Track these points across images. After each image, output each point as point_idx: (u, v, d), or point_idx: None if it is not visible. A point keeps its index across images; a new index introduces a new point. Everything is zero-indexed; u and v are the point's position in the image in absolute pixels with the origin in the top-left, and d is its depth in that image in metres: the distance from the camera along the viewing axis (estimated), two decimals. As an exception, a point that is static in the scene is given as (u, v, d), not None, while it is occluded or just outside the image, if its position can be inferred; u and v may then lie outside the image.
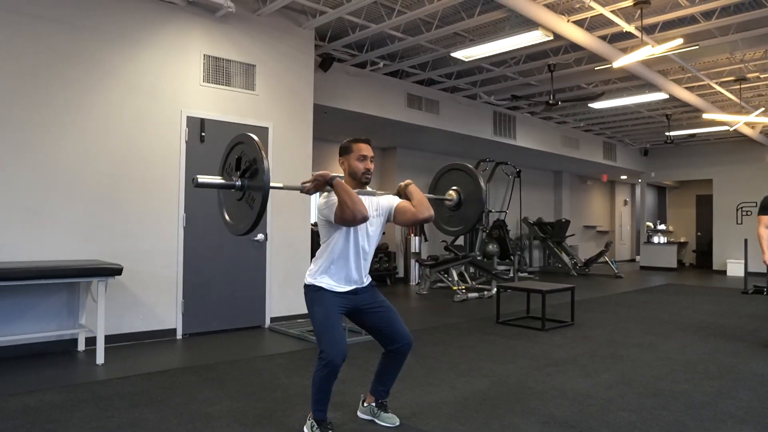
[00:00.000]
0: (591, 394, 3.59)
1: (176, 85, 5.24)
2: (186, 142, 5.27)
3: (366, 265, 2.87)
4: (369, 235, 2.83)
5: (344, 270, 2.78)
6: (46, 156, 4.52)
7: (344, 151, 2.84)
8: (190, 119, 5.29)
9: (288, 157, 6.02)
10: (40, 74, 4.50)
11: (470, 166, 3.36)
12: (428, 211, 2.85)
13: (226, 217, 2.68)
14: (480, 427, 2.97)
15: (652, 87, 8.28)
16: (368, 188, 2.86)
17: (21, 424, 2.94)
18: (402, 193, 2.94)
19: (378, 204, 2.88)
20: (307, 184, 2.61)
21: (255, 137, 2.52)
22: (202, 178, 2.49)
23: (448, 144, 10.31)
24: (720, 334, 5.65)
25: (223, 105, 5.52)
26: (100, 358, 4.23)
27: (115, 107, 4.88)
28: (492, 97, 9.45)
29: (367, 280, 2.89)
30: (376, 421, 2.99)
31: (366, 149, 2.81)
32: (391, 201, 2.91)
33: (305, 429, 2.82)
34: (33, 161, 4.46)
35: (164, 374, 3.96)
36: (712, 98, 9.34)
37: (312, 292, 2.79)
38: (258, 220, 2.43)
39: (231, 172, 2.60)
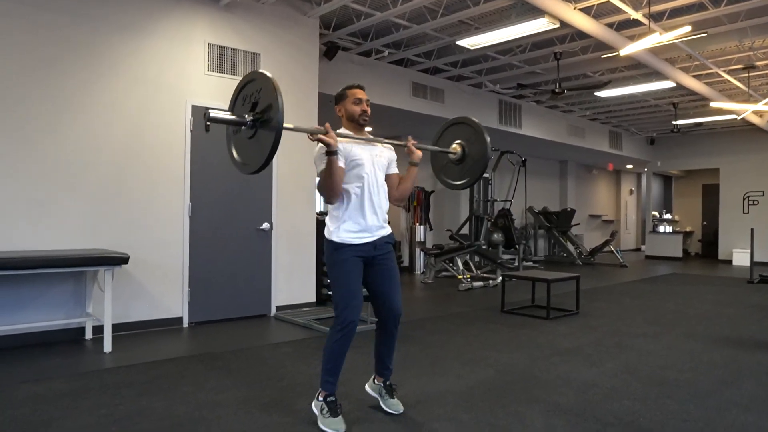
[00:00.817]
0: (596, 383, 3.59)
1: (181, 75, 5.24)
2: (191, 131, 5.27)
3: (381, 205, 2.89)
4: (377, 181, 2.88)
5: (359, 212, 2.81)
6: (50, 147, 4.53)
7: (339, 99, 2.91)
8: (195, 108, 5.29)
9: (293, 146, 6.00)
10: (42, 65, 4.50)
11: (475, 119, 3.33)
12: (401, 202, 3.07)
13: (235, 155, 2.64)
14: (485, 416, 2.98)
15: (659, 75, 8.22)
16: (369, 135, 2.92)
17: (30, 411, 2.97)
18: (412, 156, 3.02)
19: (382, 152, 2.95)
20: (318, 135, 2.61)
21: (269, 74, 2.50)
22: (214, 113, 2.48)
23: (453, 133, 10.26)
24: (725, 324, 5.65)
25: (227, 94, 5.45)
26: (107, 347, 4.26)
27: (119, 97, 4.88)
28: (497, 86, 9.41)
29: (386, 227, 2.93)
30: (381, 404, 3.01)
31: (360, 93, 2.87)
32: (392, 157, 3.00)
33: (313, 407, 2.84)
34: (38, 152, 4.47)
35: (171, 362, 3.99)
36: (720, 87, 9.27)
37: (332, 249, 2.81)
38: (269, 158, 2.42)
39: (242, 109, 2.56)
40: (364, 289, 2.92)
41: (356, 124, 2.87)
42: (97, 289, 4.61)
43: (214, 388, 3.40)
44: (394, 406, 2.99)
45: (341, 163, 2.74)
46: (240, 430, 2.77)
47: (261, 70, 2.57)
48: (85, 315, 4.63)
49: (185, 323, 5.25)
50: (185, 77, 5.26)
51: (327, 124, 2.64)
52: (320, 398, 2.81)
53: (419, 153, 3.03)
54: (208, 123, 2.49)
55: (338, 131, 2.80)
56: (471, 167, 3.29)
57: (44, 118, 4.50)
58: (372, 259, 2.85)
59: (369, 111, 2.89)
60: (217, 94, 5.43)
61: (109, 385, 3.46)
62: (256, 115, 2.48)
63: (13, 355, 4.12)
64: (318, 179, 2.77)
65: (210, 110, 2.47)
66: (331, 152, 2.61)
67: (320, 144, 2.67)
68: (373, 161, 2.85)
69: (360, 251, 2.80)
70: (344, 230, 2.79)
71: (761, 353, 4.43)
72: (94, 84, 4.74)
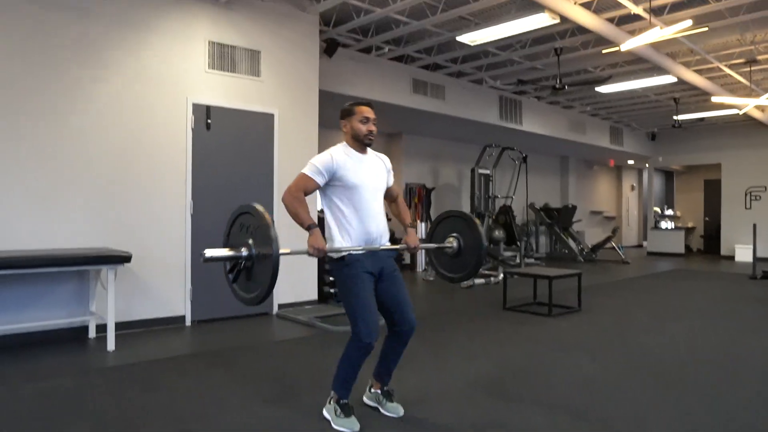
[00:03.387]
0: (598, 378, 3.60)
1: (181, 72, 5.23)
2: (192, 129, 5.27)
3: (380, 216, 2.88)
4: (375, 189, 2.88)
5: (359, 224, 2.79)
6: (52, 144, 4.53)
7: (346, 114, 2.86)
8: (196, 106, 5.28)
9: (294, 144, 6.01)
10: (43, 62, 4.49)
11: (467, 213, 3.35)
12: (408, 217, 3.07)
13: (237, 289, 2.56)
14: (488, 412, 2.99)
15: (660, 70, 8.20)
16: (370, 151, 2.92)
17: (36, 408, 2.98)
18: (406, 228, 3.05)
19: (379, 167, 2.94)
20: (312, 251, 2.64)
21: (259, 206, 2.47)
22: (210, 253, 2.42)
23: (454, 129, 10.26)
24: (728, 319, 5.64)
25: (228, 92, 5.51)
26: (110, 345, 4.27)
27: (120, 94, 4.87)
28: (498, 82, 9.39)
29: (385, 237, 2.92)
30: (381, 409, 2.97)
31: (368, 111, 2.83)
32: (388, 169, 3.00)
33: (325, 412, 2.82)
34: (39, 150, 4.47)
35: (174, 360, 4.00)
36: (722, 81, 9.24)
37: (341, 269, 2.78)
38: (270, 289, 2.36)
39: (237, 242, 2.53)
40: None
41: (360, 143, 2.83)
42: (100, 287, 4.61)
43: (217, 384, 3.41)
44: (394, 409, 2.95)
45: (320, 181, 2.76)
46: (243, 425, 2.77)
47: (251, 204, 2.52)
48: (88, 313, 4.63)
49: (188, 321, 5.25)
50: (186, 75, 5.26)
51: (333, 156, 2.74)
52: (332, 402, 2.80)
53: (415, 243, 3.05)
54: (205, 263, 2.46)
55: (340, 146, 2.83)
56: (468, 259, 3.29)
57: (45, 116, 4.50)
58: (380, 274, 2.84)
59: (375, 131, 2.85)
60: (217, 91, 5.43)
61: (113, 382, 3.46)
62: (251, 246, 2.46)
63: (18, 354, 4.13)
64: (292, 195, 2.71)
65: (205, 251, 2.42)
66: (310, 229, 2.65)
67: (319, 159, 2.75)
68: (369, 184, 2.84)
69: (367, 266, 2.77)
70: (347, 241, 2.79)
71: (765, 349, 4.43)
72: (94, 81, 4.74)
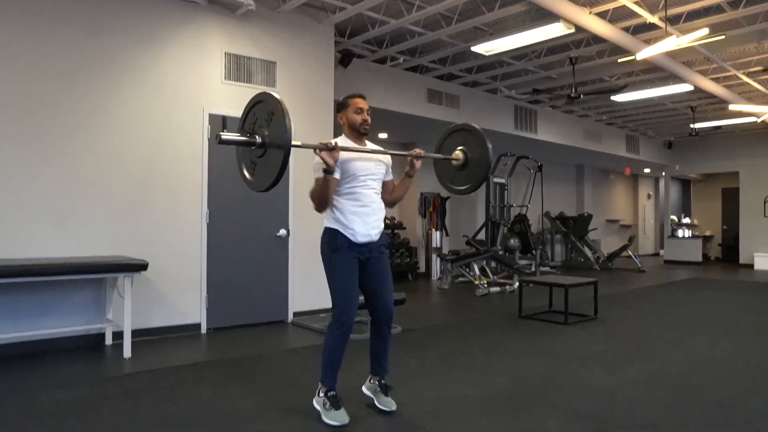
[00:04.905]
0: (616, 390, 3.55)
1: (198, 84, 5.30)
2: (208, 139, 5.33)
3: (377, 214, 2.99)
4: (373, 177, 2.99)
5: (353, 222, 2.91)
6: (72, 157, 4.60)
7: (342, 107, 3.05)
8: (212, 117, 5.34)
9: (309, 153, 6.02)
10: (65, 78, 4.58)
11: (475, 125, 3.37)
12: (392, 206, 3.19)
13: (246, 174, 2.73)
14: (504, 423, 2.96)
15: (676, 79, 8.14)
16: (368, 143, 3.05)
17: (54, 418, 3.01)
18: (409, 167, 3.08)
19: (380, 162, 3.06)
20: (322, 153, 2.72)
21: (276, 95, 2.60)
22: (225, 135, 2.58)
23: (468, 138, 10.25)
24: (748, 330, 5.55)
25: (244, 102, 5.50)
26: (127, 353, 4.31)
27: (138, 107, 4.95)
28: (513, 91, 9.38)
29: (380, 230, 3.03)
30: (376, 402, 3.07)
31: (362, 102, 3.01)
32: (389, 165, 3.12)
33: (315, 404, 2.93)
34: (60, 163, 4.54)
35: (190, 368, 4.02)
36: (739, 89, 9.15)
37: (329, 254, 2.92)
38: (279, 177, 2.50)
39: (251, 130, 2.65)
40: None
41: (357, 132, 2.99)
42: (117, 295, 4.67)
43: (234, 394, 3.42)
44: (386, 403, 3.05)
45: (337, 175, 2.86)
46: (259, 436, 2.78)
47: (269, 92, 2.66)
48: (105, 321, 4.68)
49: (203, 329, 5.28)
50: (203, 86, 5.33)
51: (335, 142, 2.79)
52: (321, 394, 2.91)
53: (418, 166, 3.09)
54: (220, 144, 2.60)
55: (339, 138, 2.95)
56: (474, 172, 3.34)
57: (66, 130, 4.57)
58: (367, 260, 2.97)
59: (369, 120, 3.02)
60: (233, 102, 5.49)
61: (129, 391, 3.49)
62: (266, 135, 2.57)
63: (36, 361, 4.18)
64: (312, 187, 2.89)
65: (221, 133, 2.56)
66: (328, 171, 2.74)
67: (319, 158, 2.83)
68: (369, 173, 2.97)
69: (356, 253, 2.91)
70: (342, 223, 2.92)
71: (785, 360, 4.35)
72: (113, 95, 4.82)
